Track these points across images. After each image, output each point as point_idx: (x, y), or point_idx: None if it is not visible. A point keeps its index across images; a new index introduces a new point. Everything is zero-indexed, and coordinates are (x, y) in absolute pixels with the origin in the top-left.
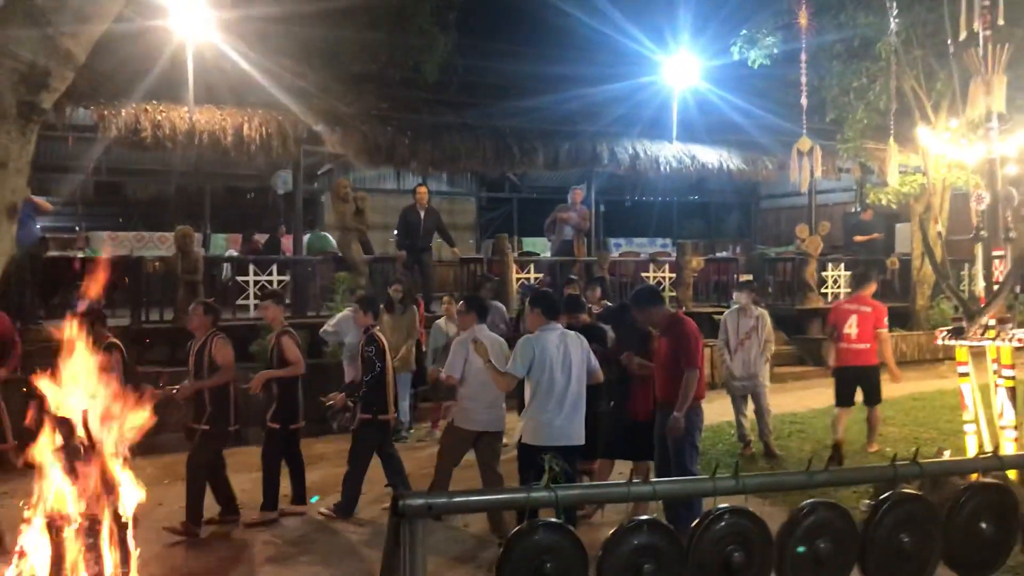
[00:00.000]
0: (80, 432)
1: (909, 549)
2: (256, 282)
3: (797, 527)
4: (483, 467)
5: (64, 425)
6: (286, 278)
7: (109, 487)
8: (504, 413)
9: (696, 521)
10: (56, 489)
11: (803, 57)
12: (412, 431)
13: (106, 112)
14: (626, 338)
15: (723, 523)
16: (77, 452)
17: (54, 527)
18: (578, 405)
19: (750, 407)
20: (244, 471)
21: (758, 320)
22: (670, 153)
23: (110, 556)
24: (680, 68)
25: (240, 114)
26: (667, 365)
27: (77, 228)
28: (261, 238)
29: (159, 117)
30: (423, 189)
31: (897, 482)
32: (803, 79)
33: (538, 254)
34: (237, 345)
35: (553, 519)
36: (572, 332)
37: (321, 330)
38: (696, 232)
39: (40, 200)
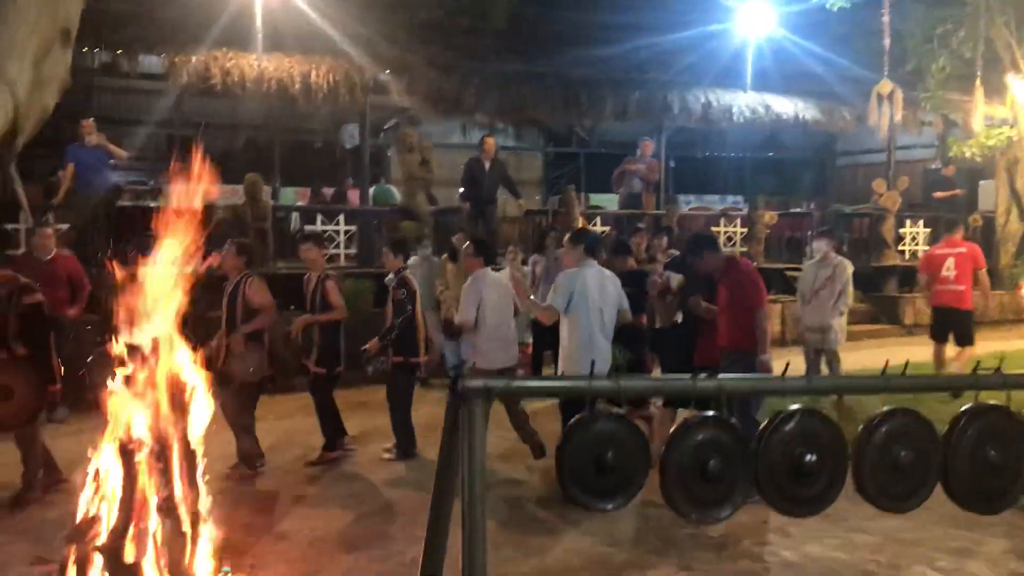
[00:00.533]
0: (151, 359)
1: (996, 462)
2: (323, 232)
3: (875, 432)
4: (507, 403)
5: (135, 352)
6: (353, 228)
7: (179, 413)
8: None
9: (766, 422)
10: (127, 414)
11: None
12: None
13: (176, 59)
14: (693, 285)
15: (794, 423)
16: (148, 378)
17: (126, 451)
18: (609, 339)
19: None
20: (284, 418)
21: (835, 270)
22: (743, 103)
23: (180, 481)
24: (755, 14)
25: (307, 61)
26: (728, 311)
27: (150, 182)
28: (328, 192)
29: (228, 64)
30: (490, 140)
31: (978, 390)
32: (885, 18)
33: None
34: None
35: (614, 410)
36: (608, 272)
37: (386, 278)
38: (769, 189)
39: (115, 148)
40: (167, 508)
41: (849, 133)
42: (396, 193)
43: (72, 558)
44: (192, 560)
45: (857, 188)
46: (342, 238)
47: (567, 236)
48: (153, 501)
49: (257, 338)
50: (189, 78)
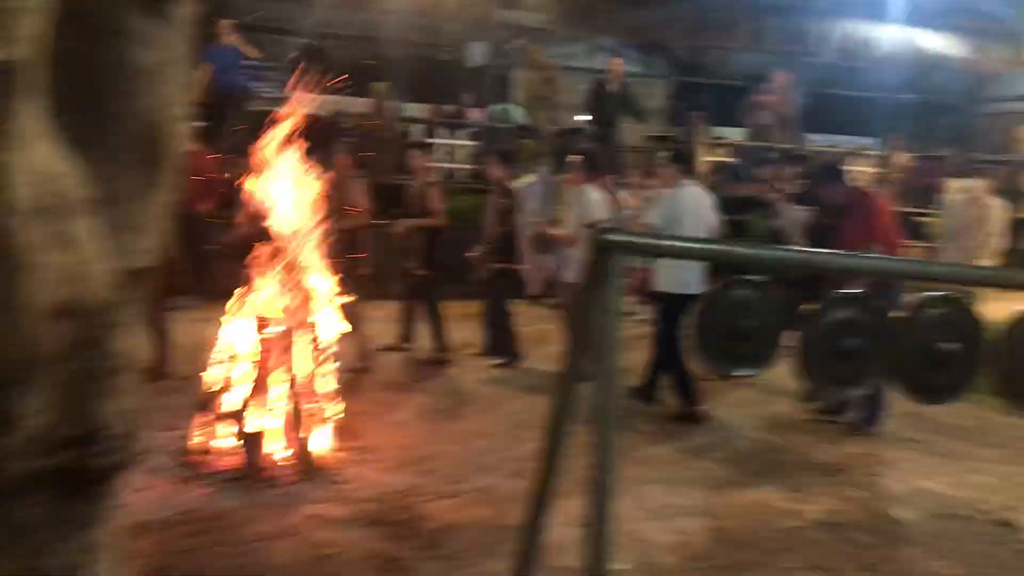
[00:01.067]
0: (286, 243)
1: None
2: (444, 146)
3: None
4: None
5: (271, 236)
6: (474, 143)
7: (307, 295)
8: None
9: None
10: (262, 294)
11: None
12: None
13: None
14: (820, 218)
15: (937, 310)
16: (282, 262)
17: (259, 329)
18: None
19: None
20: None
21: (987, 211)
22: (886, 37)
23: (308, 358)
24: None
25: None
26: (854, 244)
27: (277, 89)
28: (449, 109)
29: None
30: (617, 61)
31: None
32: None
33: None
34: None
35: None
36: (703, 192)
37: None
38: (905, 132)
39: (249, 49)
40: (292, 384)
41: (1002, 76)
42: (517, 113)
43: (200, 424)
44: (313, 435)
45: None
46: (463, 152)
47: (664, 155)
48: (281, 377)
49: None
50: None
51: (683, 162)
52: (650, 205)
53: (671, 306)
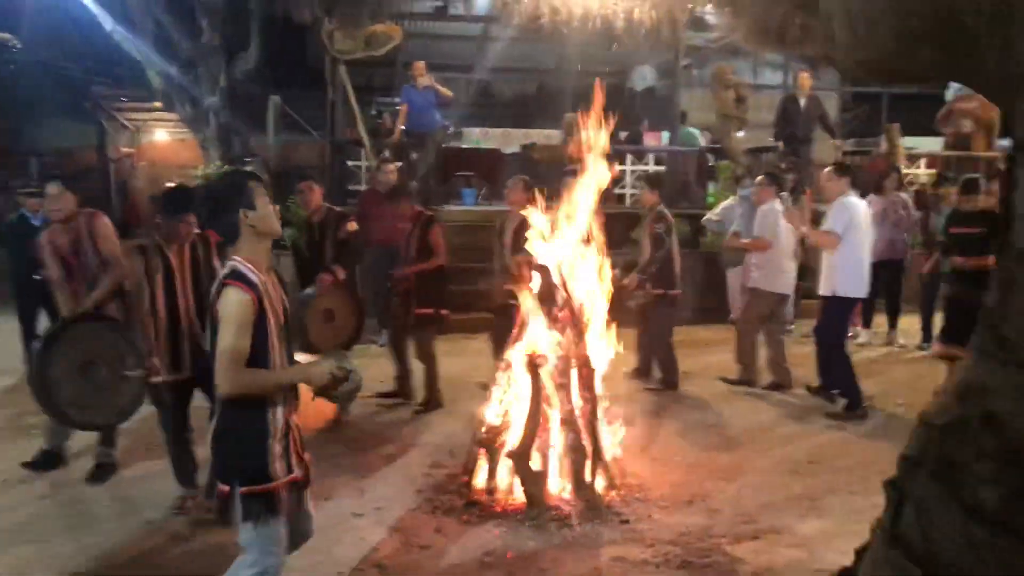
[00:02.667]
0: (556, 279)
1: None
2: (633, 171)
3: None
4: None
5: (543, 272)
6: (662, 168)
7: (580, 332)
8: None
9: None
10: (535, 331)
11: None
12: (794, 326)
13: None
14: None
15: None
16: (553, 297)
17: (533, 366)
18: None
19: None
20: None
21: None
22: None
23: (579, 395)
24: None
25: None
26: None
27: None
28: (623, 135)
29: (556, 2)
30: (805, 75)
31: None
32: None
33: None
34: (618, 231)
35: None
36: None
37: (704, 219)
38: None
39: (443, 89)
40: (569, 421)
41: None
42: (698, 135)
43: (481, 461)
44: (591, 472)
45: None
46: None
47: (830, 168)
48: (556, 414)
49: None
50: (520, 18)
51: (847, 174)
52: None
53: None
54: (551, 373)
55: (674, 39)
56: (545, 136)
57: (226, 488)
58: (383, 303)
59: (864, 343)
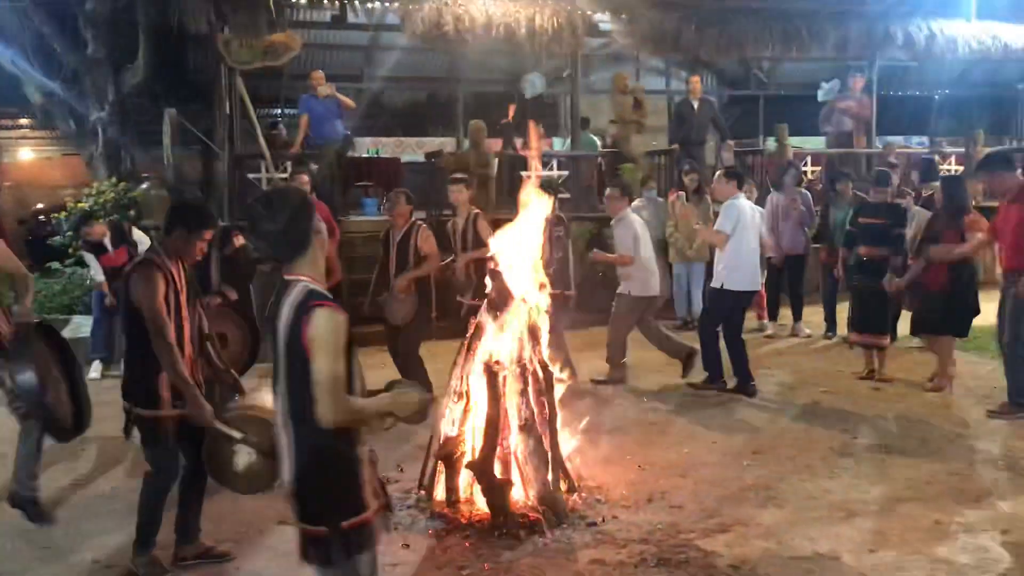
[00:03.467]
0: (508, 285)
1: None
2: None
3: None
4: (649, 324)
5: (497, 277)
6: (565, 173)
7: (536, 336)
8: None
9: None
10: (491, 337)
11: None
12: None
13: (410, 7)
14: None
15: None
16: (507, 303)
17: (491, 373)
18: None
19: None
20: None
21: None
22: (968, 34)
23: (536, 400)
24: None
25: (532, 5)
26: (1017, 232)
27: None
28: (518, 142)
29: (459, 11)
30: (696, 79)
31: None
32: None
33: None
34: None
35: None
36: (751, 203)
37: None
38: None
39: (344, 98)
40: (528, 428)
41: None
42: (596, 140)
43: (437, 471)
44: (553, 477)
45: None
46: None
47: (721, 172)
48: (515, 421)
49: (423, 285)
50: (423, 26)
51: (735, 178)
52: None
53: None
54: (508, 379)
55: (574, 45)
56: (439, 144)
57: (322, 529)
58: None
59: (771, 335)
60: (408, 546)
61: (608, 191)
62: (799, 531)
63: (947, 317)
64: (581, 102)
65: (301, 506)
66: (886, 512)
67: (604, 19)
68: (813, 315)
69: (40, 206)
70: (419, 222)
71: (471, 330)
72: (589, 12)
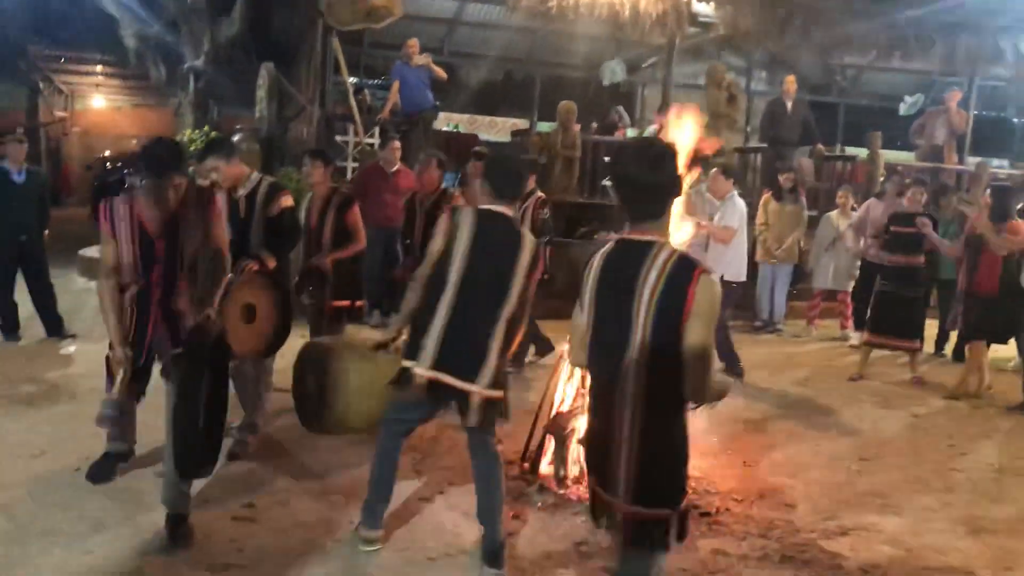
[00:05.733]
0: None
1: None
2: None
3: None
4: None
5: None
6: None
7: None
8: None
9: None
10: None
11: None
12: (785, 326)
13: None
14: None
15: None
16: None
17: None
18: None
19: None
20: None
21: None
22: None
23: None
24: None
25: None
26: None
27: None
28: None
29: None
30: (791, 78)
31: None
32: None
33: None
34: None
35: None
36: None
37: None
38: None
39: (438, 69)
40: None
41: None
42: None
43: (545, 445)
44: None
45: None
46: None
47: (716, 169)
48: None
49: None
50: (529, 2)
51: (732, 176)
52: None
53: None
54: None
55: (675, 33)
56: (512, 125)
57: (665, 511)
58: (376, 288)
59: (856, 345)
60: (519, 518)
61: (712, 171)
62: (924, 541)
63: (998, 321)
64: (657, 95)
65: (642, 488)
66: (1015, 531)
67: (704, 9)
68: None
69: (107, 153)
70: (450, 189)
71: None
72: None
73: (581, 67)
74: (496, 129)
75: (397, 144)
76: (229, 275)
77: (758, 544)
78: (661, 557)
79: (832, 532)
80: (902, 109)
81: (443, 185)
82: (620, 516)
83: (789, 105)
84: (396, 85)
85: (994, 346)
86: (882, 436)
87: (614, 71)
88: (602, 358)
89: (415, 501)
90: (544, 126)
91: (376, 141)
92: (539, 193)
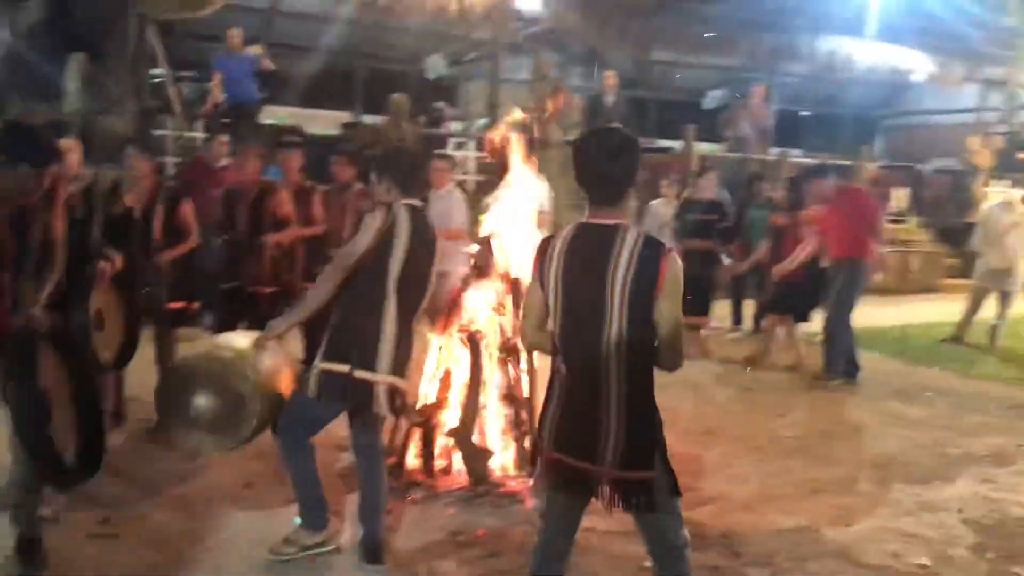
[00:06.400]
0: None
1: None
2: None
3: None
4: None
5: (483, 243)
6: (484, 154)
7: (518, 304)
8: None
9: None
10: (471, 307)
11: None
12: None
13: None
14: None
15: None
16: (490, 269)
17: (473, 342)
18: None
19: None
20: None
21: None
22: (864, 53)
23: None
24: None
25: None
26: (842, 227)
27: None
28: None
29: None
30: (611, 74)
31: None
32: None
33: None
34: None
35: None
36: None
37: None
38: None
39: (268, 60)
40: (510, 396)
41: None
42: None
43: (409, 438)
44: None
45: (913, 149)
46: (472, 165)
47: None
48: (494, 390)
49: None
50: None
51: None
52: None
53: None
54: (487, 345)
55: (504, 26)
56: (334, 119)
57: (651, 473)
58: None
59: None
60: (390, 512)
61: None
62: (773, 505)
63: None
64: (479, 89)
65: (632, 455)
66: (847, 489)
67: (528, 4)
68: (719, 309)
69: None
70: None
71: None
72: None
73: (404, 60)
74: (319, 122)
75: (224, 139)
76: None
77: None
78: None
79: (692, 503)
80: (706, 103)
81: (265, 177)
82: (606, 483)
83: (610, 100)
84: (219, 77)
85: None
86: (721, 410)
87: (437, 65)
88: (575, 339)
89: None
90: (369, 119)
91: (199, 135)
92: (358, 185)
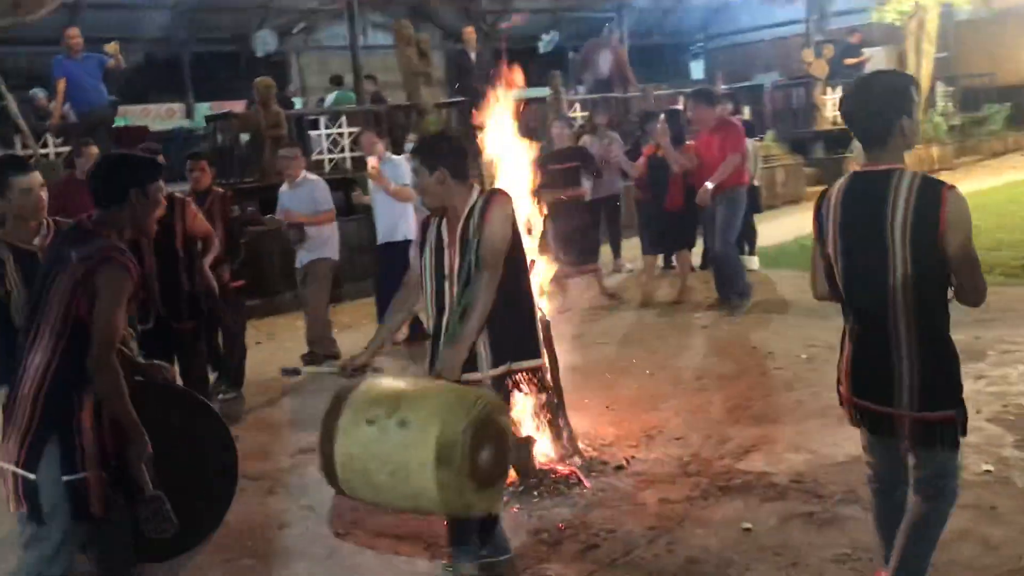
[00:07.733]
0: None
1: None
2: (328, 135)
3: None
4: None
5: None
6: (356, 129)
7: (540, 288)
8: None
9: None
10: None
11: None
12: None
13: None
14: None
15: None
16: None
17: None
18: None
19: None
20: None
21: None
22: None
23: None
24: None
25: None
26: (717, 157)
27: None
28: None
29: None
30: (471, 30)
31: None
32: None
33: None
34: None
35: None
36: None
37: None
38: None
39: (115, 57)
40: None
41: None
42: (352, 96)
43: None
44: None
45: (735, 68)
46: (346, 140)
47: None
48: None
49: None
50: None
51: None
52: None
53: None
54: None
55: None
56: (166, 111)
57: (950, 413)
58: None
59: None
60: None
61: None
62: (817, 439)
63: (684, 232)
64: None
65: (931, 395)
66: None
67: None
68: (629, 250)
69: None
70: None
71: None
72: None
73: (229, 40)
74: (151, 116)
75: (95, 149)
76: None
77: (688, 483)
78: (958, 454)
79: (737, 452)
80: (541, 47)
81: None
82: (908, 424)
83: (472, 56)
84: (62, 83)
85: None
86: (695, 355)
87: (266, 41)
88: (861, 287)
89: None
90: (203, 108)
91: (52, 151)
92: (218, 188)
